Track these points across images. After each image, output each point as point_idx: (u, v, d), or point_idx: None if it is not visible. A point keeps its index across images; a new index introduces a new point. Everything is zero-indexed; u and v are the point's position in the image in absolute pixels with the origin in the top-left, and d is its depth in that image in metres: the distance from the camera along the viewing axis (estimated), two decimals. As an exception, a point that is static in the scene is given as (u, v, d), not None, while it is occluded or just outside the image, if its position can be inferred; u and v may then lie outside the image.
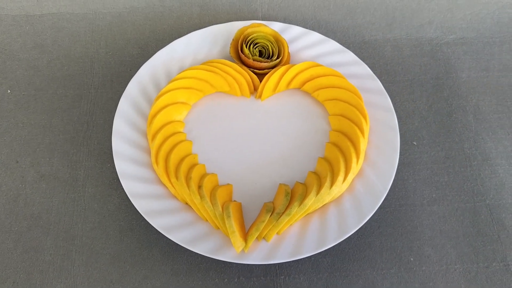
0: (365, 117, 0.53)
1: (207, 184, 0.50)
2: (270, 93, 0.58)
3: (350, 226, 0.47)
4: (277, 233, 0.48)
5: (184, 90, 0.56)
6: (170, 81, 0.57)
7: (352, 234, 0.48)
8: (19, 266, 0.51)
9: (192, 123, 0.57)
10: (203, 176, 0.51)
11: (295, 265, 0.51)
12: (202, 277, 0.50)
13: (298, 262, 0.51)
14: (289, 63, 0.59)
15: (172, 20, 0.68)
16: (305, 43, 0.61)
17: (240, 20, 0.67)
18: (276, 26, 0.62)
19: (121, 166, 0.51)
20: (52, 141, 0.59)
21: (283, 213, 0.47)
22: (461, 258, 0.51)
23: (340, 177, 0.49)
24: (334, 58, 0.60)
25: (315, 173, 0.52)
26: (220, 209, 0.47)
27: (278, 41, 0.59)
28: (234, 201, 0.51)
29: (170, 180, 0.50)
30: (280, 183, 0.52)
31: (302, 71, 0.57)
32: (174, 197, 0.50)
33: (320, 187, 0.49)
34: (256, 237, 0.47)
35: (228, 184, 0.52)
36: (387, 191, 0.50)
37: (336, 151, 0.52)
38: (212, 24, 0.67)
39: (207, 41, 0.62)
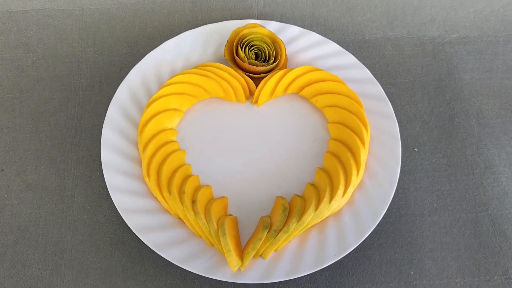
0: (365, 126, 0.51)
1: (202, 198, 0.47)
2: (266, 98, 0.56)
3: (349, 243, 0.46)
4: (275, 250, 0.46)
5: (176, 96, 0.53)
6: (161, 86, 0.54)
7: (350, 246, 0.47)
8: (6, 282, 0.49)
9: (185, 131, 0.54)
10: (197, 189, 0.49)
11: (292, 280, 0.49)
12: (196, 292, 0.49)
13: (296, 276, 0.50)
14: (286, 67, 0.57)
15: (163, 17, 0.65)
16: (303, 45, 0.59)
17: (235, 18, 0.65)
18: (272, 26, 0.59)
19: (111, 178, 0.49)
20: (38, 147, 0.56)
21: (280, 230, 0.45)
22: (462, 271, 0.50)
23: (340, 191, 0.47)
24: (334, 60, 0.57)
25: (313, 185, 0.50)
26: (215, 225, 0.45)
27: (275, 43, 0.56)
28: (230, 215, 0.49)
29: (162, 195, 0.48)
30: (277, 196, 0.50)
31: (300, 75, 0.55)
32: (167, 211, 0.48)
33: (319, 201, 0.47)
34: (253, 255, 0.45)
35: (223, 196, 0.50)
36: (388, 205, 0.48)
37: (335, 162, 0.50)
38: (206, 21, 0.64)
39: (200, 42, 0.59)
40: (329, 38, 0.60)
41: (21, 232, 0.51)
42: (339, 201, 0.47)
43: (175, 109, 0.53)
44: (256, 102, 0.55)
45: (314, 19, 0.66)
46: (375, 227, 0.49)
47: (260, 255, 0.46)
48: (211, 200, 0.49)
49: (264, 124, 0.55)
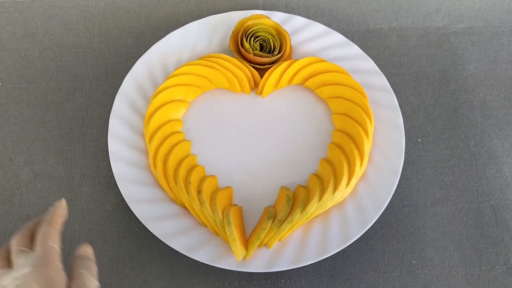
0: (369, 117, 0.52)
1: (207, 189, 0.48)
2: (271, 89, 0.56)
3: (353, 233, 0.47)
4: (279, 240, 0.47)
5: (182, 87, 0.54)
6: (167, 77, 0.55)
7: (354, 236, 0.48)
8: (16, 269, 0.50)
9: (190, 122, 0.55)
10: (202, 179, 0.50)
11: (296, 269, 0.50)
12: (202, 280, 0.50)
13: (299, 265, 0.50)
14: (291, 58, 0.57)
15: (169, 7, 0.65)
16: (308, 35, 0.59)
17: (240, 8, 0.64)
18: (277, 17, 0.59)
19: (118, 168, 0.50)
20: (46, 137, 0.57)
21: (285, 220, 0.46)
22: (464, 261, 0.51)
23: (344, 182, 0.48)
24: (338, 51, 0.58)
25: (317, 176, 0.51)
26: (221, 215, 0.46)
27: (279, 34, 0.56)
28: (235, 205, 0.50)
29: (168, 185, 0.48)
30: (281, 186, 0.51)
31: (304, 66, 0.55)
32: (173, 201, 0.49)
33: (322, 192, 0.48)
34: (258, 245, 0.46)
35: (228, 187, 0.51)
36: (391, 196, 0.48)
37: (339, 153, 0.50)
38: (211, 12, 0.65)
39: (205, 33, 0.59)
40: (333, 29, 0.60)
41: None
42: (343, 191, 0.48)
43: (180, 100, 0.54)
44: (261, 93, 0.56)
45: (319, 9, 0.65)
46: (379, 217, 0.49)
47: (265, 245, 0.47)
48: (216, 190, 0.49)
49: (268, 115, 0.56)
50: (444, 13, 0.66)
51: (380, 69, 0.56)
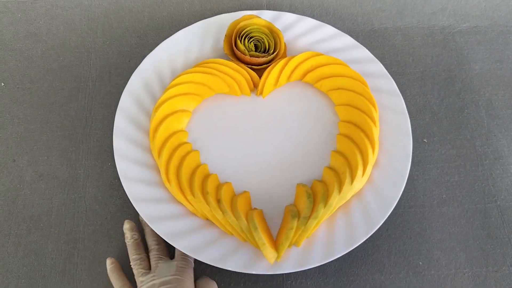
0: (373, 104, 0.51)
1: (225, 196, 0.48)
2: (271, 88, 0.56)
3: (376, 219, 0.47)
4: (306, 237, 0.46)
5: (182, 96, 0.53)
6: (165, 89, 0.54)
7: (359, 237, 0.47)
8: (20, 271, 0.50)
9: (195, 131, 0.54)
10: (218, 187, 0.49)
11: (302, 271, 0.50)
12: (207, 282, 0.49)
13: (305, 266, 0.50)
14: (286, 55, 0.57)
15: (172, 7, 0.65)
16: (299, 31, 0.59)
17: (244, 8, 0.65)
18: (266, 15, 0.59)
19: (122, 167, 0.49)
20: (49, 138, 0.57)
21: (310, 216, 0.46)
22: (470, 262, 0.51)
23: (359, 171, 0.48)
24: (332, 43, 0.58)
25: (331, 168, 0.50)
26: (245, 221, 0.45)
27: (273, 33, 0.56)
28: (255, 208, 0.49)
29: (186, 198, 0.48)
30: (297, 184, 0.50)
31: (302, 62, 0.55)
32: (194, 214, 0.48)
33: (341, 184, 0.47)
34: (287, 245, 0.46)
35: (244, 191, 0.50)
36: (406, 178, 0.48)
37: (349, 143, 0.50)
38: (214, 12, 0.65)
39: (197, 38, 0.58)
40: (338, 28, 0.60)
41: (34, 222, 0.52)
42: (360, 181, 0.48)
43: (182, 110, 0.53)
44: (261, 93, 0.55)
45: (324, 9, 0.65)
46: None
47: (294, 244, 0.46)
48: (234, 197, 0.49)
49: (272, 115, 0.55)
50: (449, 12, 0.66)
51: (385, 68, 0.56)
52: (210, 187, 0.48)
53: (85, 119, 0.58)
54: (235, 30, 0.55)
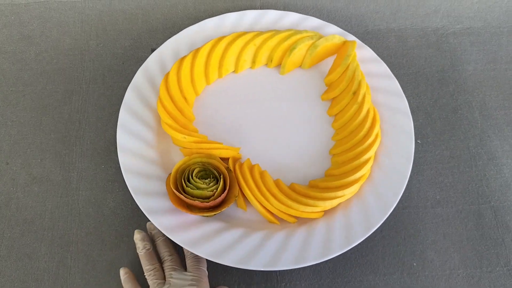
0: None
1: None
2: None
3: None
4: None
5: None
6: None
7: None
8: (13, 274, 0.50)
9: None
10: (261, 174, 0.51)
11: (296, 271, 0.50)
12: (201, 284, 0.49)
13: (299, 268, 0.50)
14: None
15: (166, 9, 0.65)
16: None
17: (238, 9, 0.64)
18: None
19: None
20: (43, 141, 0.57)
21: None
22: (465, 263, 0.51)
23: None
24: None
25: None
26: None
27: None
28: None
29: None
30: None
31: None
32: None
33: None
34: None
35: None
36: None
37: None
38: (208, 14, 0.65)
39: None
40: (332, 30, 0.60)
41: (27, 225, 0.52)
42: None
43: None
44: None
45: (317, 10, 0.65)
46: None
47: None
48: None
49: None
50: (442, 14, 0.66)
51: (379, 70, 0.56)
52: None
53: (78, 122, 0.58)
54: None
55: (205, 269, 0.47)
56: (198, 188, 0.45)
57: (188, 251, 0.47)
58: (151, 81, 0.55)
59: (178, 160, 0.50)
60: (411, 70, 0.62)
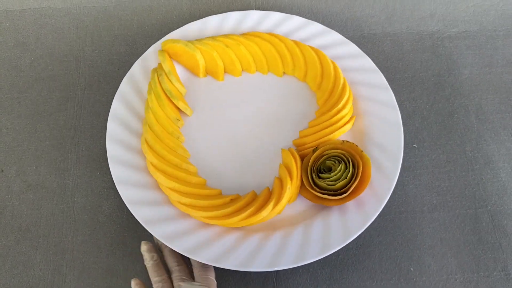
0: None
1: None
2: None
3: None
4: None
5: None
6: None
7: (351, 243, 0.47)
8: (8, 283, 0.49)
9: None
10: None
11: (293, 277, 0.50)
12: (197, 291, 0.49)
13: (296, 273, 0.50)
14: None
15: (161, 15, 0.65)
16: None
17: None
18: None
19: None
20: (38, 148, 0.56)
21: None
22: (462, 267, 0.50)
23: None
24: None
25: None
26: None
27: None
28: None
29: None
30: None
31: None
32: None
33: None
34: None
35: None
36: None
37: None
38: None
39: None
40: (328, 34, 0.60)
41: (22, 233, 0.52)
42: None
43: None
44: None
45: (313, 15, 0.65)
46: (376, 224, 0.49)
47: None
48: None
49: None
50: (438, 18, 0.66)
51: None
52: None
53: (73, 128, 0.57)
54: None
55: (214, 279, 0.46)
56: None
57: (195, 260, 0.46)
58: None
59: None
60: (407, 74, 0.62)
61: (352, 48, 0.58)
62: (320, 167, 0.50)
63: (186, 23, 0.64)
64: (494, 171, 0.56)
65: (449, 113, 0.59)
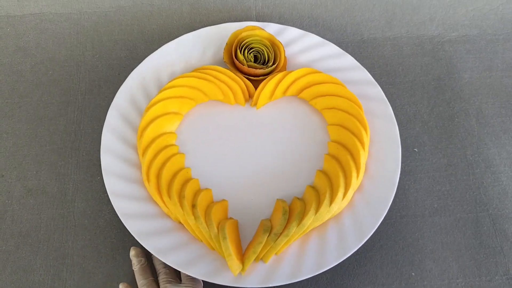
0: (365, 128, 0.51)
1: (201, 202, 0.47)
2: (266, 100, 0.55)
3: (350, 246, 0.46)
4: (276, 253, 0.46)
5: (175, 99, 0.53)
6: (160, 90, 0.54)
7: (352, 248, 0.47)
8: (8, 288, 0.49)
9: (184, 134, 0.54)
10: (197, 192, 0.49)
11: (293, 284, 0.49)
12: (197, 296, 0.49)
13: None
14: (285, 69, 0.57)
15: (162, 20, 0.65)
16: (302, 46, 0.58)
17: (233, 20, 0.65)
18: (271, 28, 0.59)
19: (111, 183, 0.49)
20: (38, 152, 0.56)
21: (281, 233, 0.45)
22: (463, 272, 0.50)
23: (340, 193, 0.47)
24: (333, 62, 0.57)
25: (313, 187, 0.50)
26: (216, 230, 0.45)
27: (274, 45, 0.56)
28: (230, 218, 0.49)
29: (162, 199, 0.47)
30: (277, 199, 0.50)
31: (299, 78, 0.55)
32: (167, 216, 0.48)
33: (319, 204, 0.47)
34: (254, 259, 0.45)
35: (223, 200, 0.50)
36: (388, 207, 0.48)
37: (335, 164, 0.50)
38: (204, 24, 0.64)
39: (199, 45, 0.58)
40: (327, 39, 0.60)
41: (22, 238, 0.52)
42: (339, 203, 0.47)
43: (174, 113, 0.53)
44: (255, 104, 0.55)
45: (313, 20, 0.65)
46: (376, 229, 0.49)
47: (261, 259, 0.46)
48: (211, 204, 0.48)
49: (263, 127, 0.55)
50: (438, 22, 0.66)
51: (374, 78, 0.56)
52: (188, 191, 0.48)
53: (74, 133, 0.57)
54: (236, 40, 0.55)
55: (200, 281, 0.47)
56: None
57: None
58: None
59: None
60: (407, 78, 0.62)
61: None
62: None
63: (186, 29, 0.64)
64: (495, 175, 0.55)
65: (449, 117, 0.59)
